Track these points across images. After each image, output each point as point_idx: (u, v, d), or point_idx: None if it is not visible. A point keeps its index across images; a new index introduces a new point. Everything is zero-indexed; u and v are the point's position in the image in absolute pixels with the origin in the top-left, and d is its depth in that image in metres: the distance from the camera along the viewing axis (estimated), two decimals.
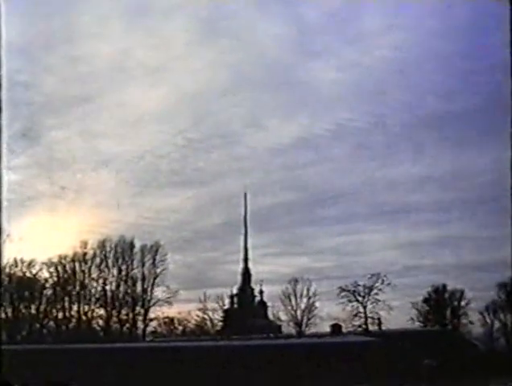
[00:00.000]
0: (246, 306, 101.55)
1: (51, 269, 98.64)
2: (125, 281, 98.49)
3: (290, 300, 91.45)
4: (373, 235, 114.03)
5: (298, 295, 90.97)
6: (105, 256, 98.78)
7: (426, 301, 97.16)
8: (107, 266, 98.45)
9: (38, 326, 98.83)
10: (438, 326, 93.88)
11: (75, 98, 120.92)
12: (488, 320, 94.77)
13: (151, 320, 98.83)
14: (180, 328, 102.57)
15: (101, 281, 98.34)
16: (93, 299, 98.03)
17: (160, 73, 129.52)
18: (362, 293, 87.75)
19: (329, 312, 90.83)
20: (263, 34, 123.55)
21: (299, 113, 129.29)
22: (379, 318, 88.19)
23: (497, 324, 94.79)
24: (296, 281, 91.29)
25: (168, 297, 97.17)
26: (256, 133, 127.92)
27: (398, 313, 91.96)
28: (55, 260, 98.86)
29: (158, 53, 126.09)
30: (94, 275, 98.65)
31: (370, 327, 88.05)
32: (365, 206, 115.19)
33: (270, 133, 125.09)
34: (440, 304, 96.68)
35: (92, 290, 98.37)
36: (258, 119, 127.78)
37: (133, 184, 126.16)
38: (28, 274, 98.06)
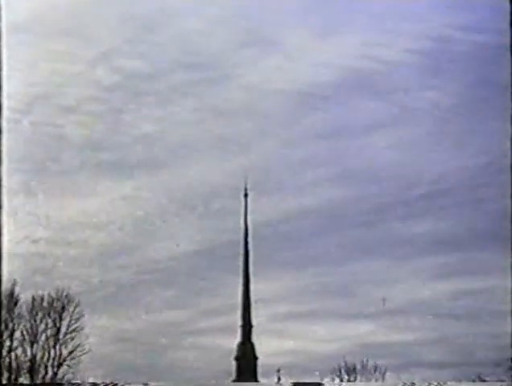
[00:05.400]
0: None
1: None
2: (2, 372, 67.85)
3: None
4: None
5: None
6: None
7: None
8: None
9: None
10: None
11: None
12: None
13: None
14: None
15: None
16: None
17: None
18: None
19: None
20: None
21: (349, 22, 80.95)
22: None
23: None
24: (352, 371, 59.24)
25: None
26: (264, 61, 77.02)
27: None
28: None
29: None
30: None
31: None
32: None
33: (291, 61, 75.82)
34: None
35: None
36: (266, 31, 79.09)
37: (14, 168, 79.22)
38: None
